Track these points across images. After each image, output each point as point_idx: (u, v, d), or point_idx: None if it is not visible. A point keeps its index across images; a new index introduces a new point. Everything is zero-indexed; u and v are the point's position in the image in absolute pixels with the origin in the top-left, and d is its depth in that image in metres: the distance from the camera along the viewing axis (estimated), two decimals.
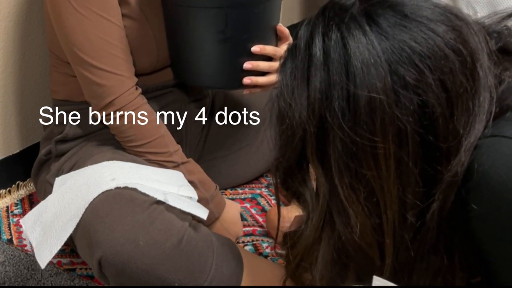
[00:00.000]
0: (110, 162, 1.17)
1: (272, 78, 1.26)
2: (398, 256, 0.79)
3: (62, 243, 1.05)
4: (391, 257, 0.79)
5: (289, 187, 0.87)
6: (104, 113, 1.22)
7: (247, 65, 1.24)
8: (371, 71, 0.74)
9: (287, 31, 1.29)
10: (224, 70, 1.26)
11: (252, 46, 1.23)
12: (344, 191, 0.77)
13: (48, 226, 1.09)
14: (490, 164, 0.73)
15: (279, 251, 0.96)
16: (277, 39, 1.30)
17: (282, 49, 1.28)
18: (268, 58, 1.26)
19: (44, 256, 1.05)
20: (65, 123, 1.31)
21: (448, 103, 0.74)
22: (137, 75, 1.29)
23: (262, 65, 1.25)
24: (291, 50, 0.82)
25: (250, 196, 1.53)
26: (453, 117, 0.75)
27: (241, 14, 1.21)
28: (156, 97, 1.34)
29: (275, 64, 1.26)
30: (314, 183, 0.83)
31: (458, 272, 0.81)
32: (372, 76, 0.74)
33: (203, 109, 1.45)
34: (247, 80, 1.25)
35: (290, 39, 1.27)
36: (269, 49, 1.25)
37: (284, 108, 0.81)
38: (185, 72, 1.30)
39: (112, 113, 1.22)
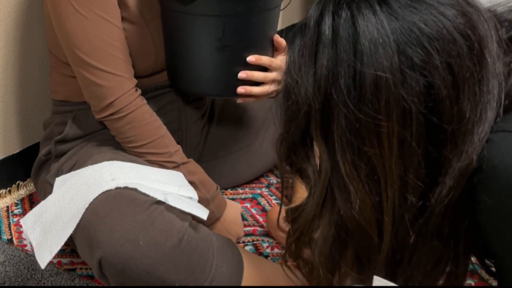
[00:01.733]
0: (110, 162, 1.17)
1: (266, 88, 1.26)
2: (398, 236, 0.80)
3: (62, 243, 1.05)
4: (390, 235, 0.79)
5: (292, 162, 0.88)
6: (104, 114, 1.22)
7: (242, 74, 1.24)
8: (378, 50, 0.75)
9: (284, 42, 1.29)
10: (220, 78, 1.26)
11: (248, 55, 1.23)
12: (345, 168, 0.78)
13: (48, 226, 1.09)
14: (500, 160, 0.73)
15: (281, 224, 0.96)
16: (274, 49, 1.30)
17: (278, 60, 1.28)
18: (264, 68, 1.26)
19: (44, 256, 1.05)
20: (64, 123, 1.31)
21: (454, 86, 0.75)
22: (136, 77, 1.29)
23: (257, 75, 1.25)
24: (301, 28, 0.83)
25: (250, 196, 1.53)
26: (458, 100, 0.75)
27: (239, 23, 1.21)
28: (154, 97, 1.34)
29: (270, 75, 1.26)
30: (317, 160, 0.84)
31: (462, 259, 0.82)
32: (379, 55, 0.74)
33: (202, 109, 1.45)
34: (241, 89, 1.25)
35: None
36: (264, 59, 1.25)
37: (291, 84, 0.82)
38: (180, 78, 1.30)
39: (112, 114, 1.21)
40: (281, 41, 1.29)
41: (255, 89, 1.26)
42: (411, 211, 0.78)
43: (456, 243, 0.80)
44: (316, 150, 0.83)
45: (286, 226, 0.92)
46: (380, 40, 0.75)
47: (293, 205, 1.26)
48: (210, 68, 1.25)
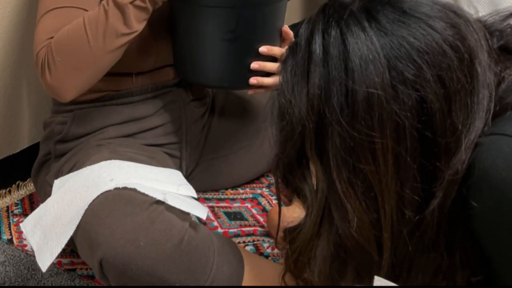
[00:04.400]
0: (108, 162, 1.16)
1: (277, 79, 1.26)
2: (396, 251, 0.80)
3: (63, 246, 1.05)
4: (389, 252, 0.79)
5: (289, 182, 0.88)
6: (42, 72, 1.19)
7: (255, 65, 1.24)
8: (369, 67, 0.75)
9: (291, 33, 1.29)
10: (231, 70, 1.26)
11: (259, 47, 1.24)
12: (342, 186, 0.78)
13: (48, 229, 1.08)
14: (490, 162, 0.73)
15: (280, 246, 0.96)
16: (281, 40, 1.30)
17: None
18: (273, 59, 1.26)
19: (45, 259, 1.05)
20: (65, 123, 1.31)
21: (446, 99, 0.75)
22: (137, 74, 1.29)
23: (269, 65, 1.25)
24: (292, 48, 0.84)
25: (251, 196, 1.53)
26: (451, 113, 0.75)
27: (252, 14, 1.21)
28: (156, 96, 1.34)
29: None
30: (314, 180, 0.84)
31: (459, 269, 0.81)
32: (370, 71, 0.75)
33: (203, 109, 1.45)
34: (253, 80, 1.25)
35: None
36: (276, 50, 1.26)
37: (284, 105, 0.82)
38: (191, 71, 1.30)
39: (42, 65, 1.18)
40: (289, 31, 1.29)
41: (267, 80, 1.26)
42: (408, 225, 0.78)
43: (452, 254, 0.80)
44: (313, 169, 0.83)
45: (285, 245, 0.92)
46: (370, 56, 0.75)
47: (293, 205, 1.26)
48: (222, 60, 1.25)
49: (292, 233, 0.89)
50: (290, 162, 0.85)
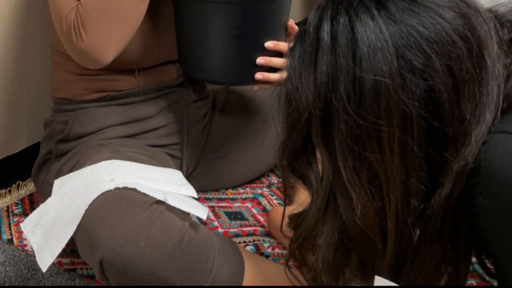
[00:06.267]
0: (108, 161, 1.16)
1: (283, 74, 1.27)
2: (401, 240, 0.80)
3: (63, 246, 1.05)
4: (393, 240, 0.79)
5: (294, 169, 0.87)
6: (70, 34, 1.14)
7: (261, 60, 1.24)
8: (377, 55, 0.74)
9: (297, 28, 1.29)
10: (237, 66, 1.26)
11: (265, 42, 1.24)
12: (347, 174, 0.78)
13: (48, 229, 1.08)
14: (497, 161, 0.73)
15: (285, 229, 0.96)
16: (287, 35, 1.30)
17: None
18: (279, 54, 1.26)
19: (46, 259, 1.05)
20: (66, 122, 1.31)
21: (455, 89, 0.75)
22: (139, 70, 1.28)
23: (275, 61, 1.26)
24: (300, 35, 0.83)
25: (251, 196, 1.53)
26: (459, 103, 0.75)
27: (259, 10, 1.21)
28: (158, 97, 1.34)
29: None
30: (319, 166, 0.84)
31: (462, 262, 0.82)
32: (378, 60, 0.74)
33: (205, 109, 1.45)
34: (259, 75, 1.25)
35: None
36: (282, 45, 1.26)
37: (291, 91, 0.82)
38: (196, 68, 1.29)
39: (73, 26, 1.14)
40: (294, 26, 1.30)
41: (273, 75, 1.27)
42: (413, 215, 0.78)
43: (456, 245, 0.80)
44: (318, 156, 0.83)
45: (289, 232, 0.92)
46: (379, 44, 0.74)
47: (294, 206, 1.26)
48: (228, 56, 1.25)
49: (296, 219, 0.89)
50: (295, 149, 0.85)
